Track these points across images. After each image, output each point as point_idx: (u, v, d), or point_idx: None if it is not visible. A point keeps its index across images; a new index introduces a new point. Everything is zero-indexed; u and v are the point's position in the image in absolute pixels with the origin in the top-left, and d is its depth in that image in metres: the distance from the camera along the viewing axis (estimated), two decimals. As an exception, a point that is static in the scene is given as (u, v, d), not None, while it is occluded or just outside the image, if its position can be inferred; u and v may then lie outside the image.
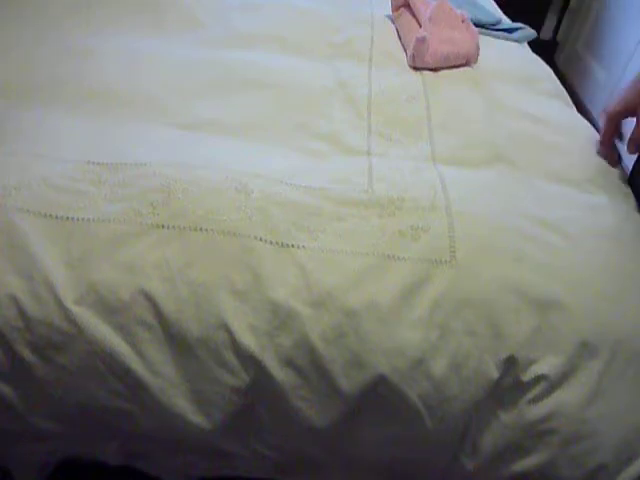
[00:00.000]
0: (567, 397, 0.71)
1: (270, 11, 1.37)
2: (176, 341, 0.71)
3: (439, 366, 0.71)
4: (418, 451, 0.79)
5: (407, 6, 1.35)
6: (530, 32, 1.51)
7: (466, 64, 1.22)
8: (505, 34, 1.45)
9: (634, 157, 1.11)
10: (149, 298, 0.70)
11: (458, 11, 1.26)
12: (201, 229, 0.73)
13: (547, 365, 0.71)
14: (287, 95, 1.05)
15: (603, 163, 1.00)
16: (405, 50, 1.26)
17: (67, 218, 0.73)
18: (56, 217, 0.73)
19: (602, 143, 1.00)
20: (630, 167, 1.12)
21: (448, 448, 0.77)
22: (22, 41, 1.12)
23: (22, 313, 0.69)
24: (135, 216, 0.74)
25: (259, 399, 0.74)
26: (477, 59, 1.23)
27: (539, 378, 0.72)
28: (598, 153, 1.00)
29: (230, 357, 0.71)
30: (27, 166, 0.79)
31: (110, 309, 0.70)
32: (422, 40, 1.16)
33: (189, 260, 0.72)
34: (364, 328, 0.70)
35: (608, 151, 1.00)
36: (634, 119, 0.95)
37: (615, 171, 1.00)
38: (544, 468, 0.73)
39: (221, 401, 0.73)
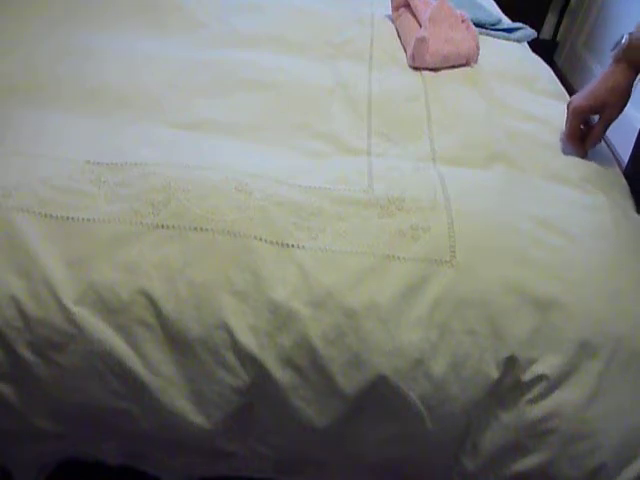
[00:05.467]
0: (567, 397, 0.71)
1: (270, 11, 1.37)
2: (176, 341, 0.71)
3: (439, 366, 0.71)
4: (418, 451, 0.79)
5: (407, 6, 1.35)
6: (530, 32, 1.51)
7: (466, 64, 1.22)
8: (505, 34, 1.45)
9: (628, 150, 1.10)
10: (149, 298, 0.70)
11: (458, 11, 1.26)
12: (201, 229, 0.73)
13: (547, 365, 0.71)
14: (287, 95, 1.05)
15: (602, 163, 1.00)
16: (405, 50, 1.26)
17: (67, 218, 0.73)
18: (56, 217, 0.73)
19: (568, 137, 0.98)
20: (625, 162, 1.12)
21: (448, 448, 0.77)
22: (23, 41, 1.12)
23: (22, 313, 0.69)
24: (135, 216, 0.74)
25: (259, 399, 0.74)
26: (477, 59, 1.23)
27: (539, 378, 0.72)
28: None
29: (230, 357, 0.71)
30: (27, 166, 0.79)
31: (110, 309, 0.70)
32: (422, 40, 1.16)
33: (189, 260, 0.72)
34: (364, 328, 0.70)
35: (575, 145, 0.98)
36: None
37: (613, 171, 1.00)
38: (544, 468, 0.73)
39: (221, 401, 0.73)
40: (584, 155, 0.99)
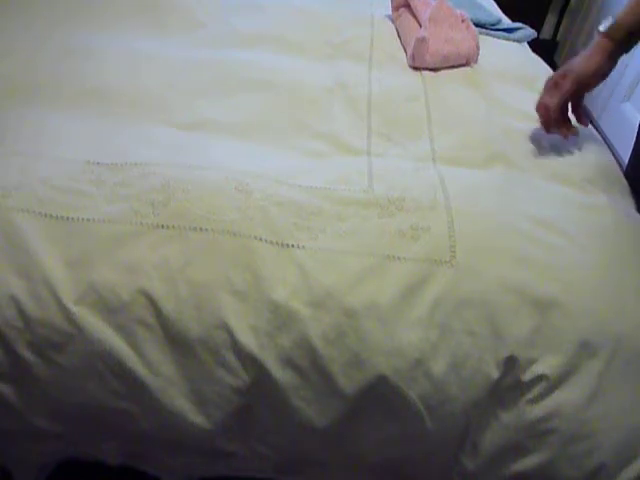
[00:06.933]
0: (567, 397, 0.71)
1: (270, 11, 1.37)
2: (176, 341, 0.71)
3: (439, 366, 0.71)
4: (418, 451, 0.79)
5: (407, 6, 1.35)
6: (530, 32, 1.51)
7: (466, 64, 1.22)
8: (505, 34, 1.45)
9: (628, 150, 1.10)
10: (149, 298, 0.70)
11: (458, 11, 1.26)
12: (201, 229, 0.73)
13: (547, 365, 0.72)
14: (287, 95, 1.05)
15: (602, 163, 1.00)
16: (405, 50, 1.26)
17: (67, 218, 0.73)
18: (56, 217, 0.73)
19: (555, 126, 0.98)
20: (626, 161, 1.12)
21: (448, 448, 0.77)
22: (24, 41, 1.12)
23: (22, 313, 0.69)
24: (135, 216, 0.74)
25: (259, 399, 0.74)
26: (477, 59, 1.23)
27: (539, 378, 0.72)
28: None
29: (230, 357, 0.71)
30: (27, 166, 0.79)
31: (110, 309, 0.70)
32: (422, 40, 1.16)
33: (189, 260, 0.72)
34: (364, 328, 0.70)
35: (562, 131, 0.98)
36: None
37: (614, 171, 1.00)
38: (544, 468, 0.73)
39: (221, 401, 0.73)
40: (547, 129, 0.99)
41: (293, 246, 0.73)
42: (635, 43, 0.93)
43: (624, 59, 0.97)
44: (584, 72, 0.95)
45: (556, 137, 1.02)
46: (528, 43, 1.52)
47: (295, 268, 0.72)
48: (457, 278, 0.73)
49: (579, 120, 1.00)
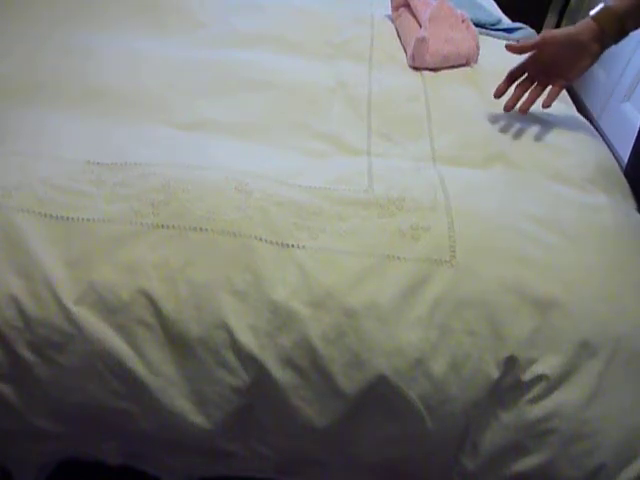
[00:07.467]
0: (567, 397, 0.71)
1: (270, 11, 1.37)
2: (176, 341, 0.71)
3: (439, 366, 0.71)
4: (418, 451, 0.79)
5: (407, 6, 1.35)
6: (530, 32, 1.51)
7: (466, 64, 1.22)
8: (505, 34, 1.45)
9: (628, 150, 1.11)
10: (149, 298, 0.70)
11: (458, 11, 1.26)
12: (201, 229, 0.73)
13: (547, 365, 0.72)
14: (287, 95, 1.05)
15: (602, 163, 1.00)
16: (405, 50, 1.26)
17: (67, 218, 0.73)
18: (56, 217, 0.73)
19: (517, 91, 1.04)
20: (626, 161, 1.12)
21: (448, 448, 0.77)
22: (25, 41, 1.12)
23: (22, 313, 0.69)
24: (135, 216, 0.74)
25: (259, 399, 0.74)
26: (477, 59, 1.23)
27: (539, 378, 0.72)
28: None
29: (230, 357, 0.71)
30: (27, 166, 0.80)
31: (110, 309, 0.70)
32: (422, 40, 1.16)
33: (189, 260, 0.72)
34: (364, 328, 0.70)
35: (515, 94, 1.04)
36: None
37: (614, 170, 1.00)
38: (544, 468, 0.73)
39: (221, 401, 0.73)
40: (496, 96, 1.05)
41: (293, 246, 0.73)
42: (624, 34, 0.94)
43: (622, 63, 0.97)
44: (551, 31, 0.98)
45: (556, 137, 1.02)
46: (528, 43, 1.52)
47: (295, 268, 0.72)
48: (457, 278, 0.73)
49: (548, 99, 1.01)
